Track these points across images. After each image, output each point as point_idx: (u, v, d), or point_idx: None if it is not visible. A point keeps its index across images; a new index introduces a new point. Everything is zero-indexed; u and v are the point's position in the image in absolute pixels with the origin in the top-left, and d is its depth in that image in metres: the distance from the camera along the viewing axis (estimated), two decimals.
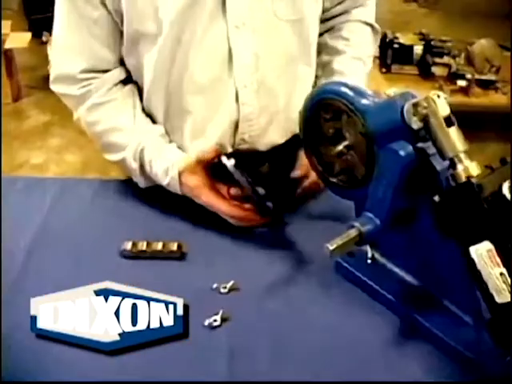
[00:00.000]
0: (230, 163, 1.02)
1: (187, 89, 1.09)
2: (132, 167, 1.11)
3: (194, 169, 1.07)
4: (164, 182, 1.09)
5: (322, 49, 1.24)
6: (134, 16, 1.03)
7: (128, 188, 1.19)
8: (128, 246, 1.00)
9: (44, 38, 3.98)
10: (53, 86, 1.14)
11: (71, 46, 1.10)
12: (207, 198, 1.06)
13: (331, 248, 0.83)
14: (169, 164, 1.08)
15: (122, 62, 1.12)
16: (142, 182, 1.15)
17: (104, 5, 1.04)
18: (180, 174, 1.07)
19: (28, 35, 3.70)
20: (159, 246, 1.00)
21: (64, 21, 1.09)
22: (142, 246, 1.00)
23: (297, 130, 1.02)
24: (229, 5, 1.03)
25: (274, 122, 1.17)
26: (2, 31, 3.50)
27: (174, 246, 1.00)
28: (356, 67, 1.24)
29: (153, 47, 1.05)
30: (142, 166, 1.11)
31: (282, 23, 1.08)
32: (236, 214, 1.05)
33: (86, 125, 1.14)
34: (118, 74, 1.12)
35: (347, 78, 1.17)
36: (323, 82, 1.19)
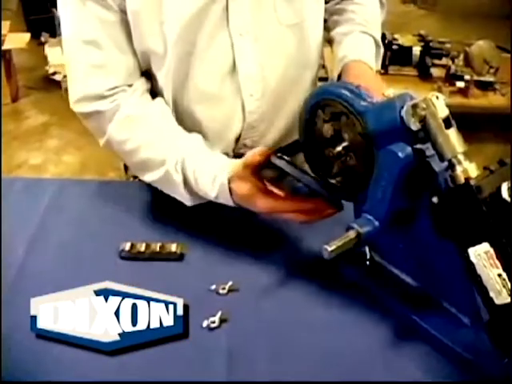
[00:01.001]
0: (282, 163, 0.93)
1: (193, 99, 1.08)
2: (175, 181, 1.02)
3: (243, 174, 0.96)
4: (212, 193, 0.99)
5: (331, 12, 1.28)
6: (141, 32, 1.01)
7: (126, 189, 1.19)
8: (126, 247, 1.00)
9: (42, 39, 3.98)
10: (77, 107, 1.07)
11: (98, 63, 1.03)
12: (265, 203, 0.95)
13: (330, 249, 0.83)
14: (216, 171, 0.98)
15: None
16: (187, 198, 1.04)
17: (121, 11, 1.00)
18: (229, 182, 0.97)
19: (26, 36, 3.70)
20: (158, 247, 1.00)
21: (83, 33, 1.02)
22: (141, 247, 1.00)
23: (295, 132, 1.03)
24: (231, 13, 1.02)
25: (275, 125, 1.18)
26: (1, 32, 3.49)
27: (173, 247, 1.00)
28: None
29: (160, 61, 1.04)
30: (185, 179, 1.01)
31: (285, 28, 1.08)
32: (307, 207, 0.94)
33: (118, 144, 1.06)
34: (144, 83, 1.08)
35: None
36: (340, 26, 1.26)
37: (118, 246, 1.00)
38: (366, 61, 1.17)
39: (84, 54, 1.03)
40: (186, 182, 1.01)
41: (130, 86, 1.06)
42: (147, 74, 1.09)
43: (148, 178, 1.07)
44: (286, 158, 0.93)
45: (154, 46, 1.02)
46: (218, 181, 0.97)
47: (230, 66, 1.06)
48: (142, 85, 1.07)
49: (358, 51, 1.19)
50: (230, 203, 0.98)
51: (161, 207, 1.12)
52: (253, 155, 0.95)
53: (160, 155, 1.02)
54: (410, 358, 0.84)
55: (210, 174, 0.98)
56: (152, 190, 1.13)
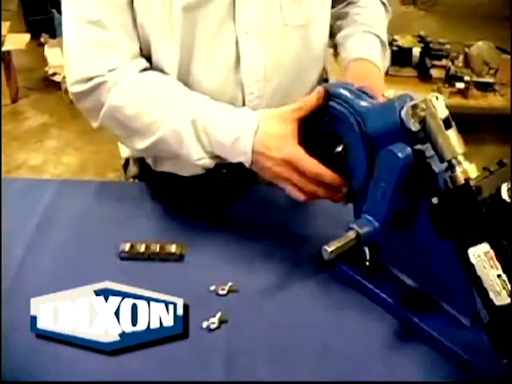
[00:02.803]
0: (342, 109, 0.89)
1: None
2: (183, 138, 0.97)
3: (286, 116, 0.92)
4: (233, 135, 0.93)
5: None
6: (148, 22, 1.01)
7: (126, 190, 1.19)
8: (126, 247, 1.00)
9: (42, 40, 3.98)
10: (76, 87, 1.04)
11: (102, 42, 1.01)
12: (294, 148, 0.90)
13: (329, 250, 0.83)
14: (243, 119, 0.95)
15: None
16: (200, 155, 0.98)
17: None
18: (260, 122, 0.92)
19: (26, 36, 3.69)
20: (157, 247, 1.00)
21: (88, 12, 1.00)
22: (140, 247, 1.00)
23: None
24: (238, 10, 1.03)
25: None
26: (1, 32, 3.49)
27: (173, 248, 1.00)
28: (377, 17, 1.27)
29: (165, 52, 1.04)
30: (197, 132, 0.97)
31: (291, 29, 1.09)
32: (337, 181, 0.91)
33: (118, 110, 1.02)
34: (145, 62, 1.06)
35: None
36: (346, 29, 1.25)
37: (118, 246, 1.00)
38: (369, 57, 1.16)
39: (88, 33, 1.01)
40: (198, 136, 0.97)
41: (130, 63, 1.04)
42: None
43: (150, 141, 1.02)
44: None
45: (161, 37, 1.02)
46: (247, 122, 0.93)
47: (234, 62, 1.07)
48: (143, 62, 1.05)
49: (360, 49, 1.18)
50: (248, 153, 0.93)
51: (160, 208, 1.12)
52: (308, 98, 0.91)
53: (167, 114, 0.99)
54: (409, 358, 0.84)
55: (232, 123, 0.95)
56: (152, 190, 1.13)
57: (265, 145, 0.92)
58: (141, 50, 1.06)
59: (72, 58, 1.05)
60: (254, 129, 0.93)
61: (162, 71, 1.05)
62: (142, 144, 1.04)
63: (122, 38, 1.03)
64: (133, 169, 1.31)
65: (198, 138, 0.97)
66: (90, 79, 1.02)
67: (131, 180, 1.31)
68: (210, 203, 1.11)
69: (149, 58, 1.06)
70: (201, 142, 0.98)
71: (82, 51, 1.03)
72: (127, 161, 1.34)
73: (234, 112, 0.98)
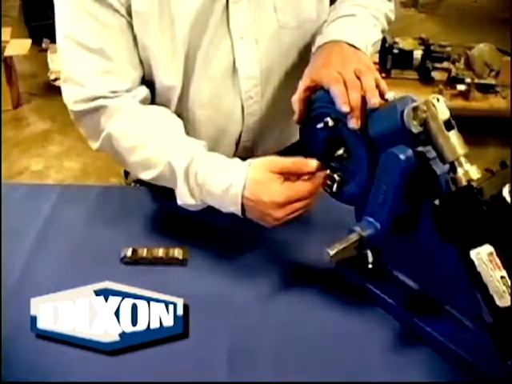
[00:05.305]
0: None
1: (194, 101, 1.09)
2: (176, 183, 0.98)
3: (263, 164, 0.93)
4: (223, 185, 0.93)
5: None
6: (149, 35, 1.01)
7: (128, 194, 1.19)
8: (128, 252, 1.00)
9: (44, 45, 3.99)
10: (77, 106, 1.03)
11: (103, 69, 1.01)
12: (282, 189, 0.90)
13: (332, 253, 0.83)
14: (230, 167, 0.95)
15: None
16: (187, 197, 0.97)
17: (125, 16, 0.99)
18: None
19: (28, 42, 3.70)
20: (160, 252, 1.00)
21: (85, 39, 1.00)
22: (143, 252, 1.00)
23: (296, 134, 1.03)
24: (232, 15, 1.02)
25: (275, 127, 1.18)
26: (2, 38, 3.50)
27: (175, 252, 1.00)
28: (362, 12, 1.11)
29: (167, 64, 1.03)
30: (188, 180, 0.96)
31: (285, 31, 1.08)
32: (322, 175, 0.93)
33: (117, 140, 1.02)
34: (145, 90, 1.06)
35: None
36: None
37: (120, 251, 1.00)
38: (335, 38, 1.01)
39: (89, 60, 1.01)
40: (188, 183, 0.97)
41: (131, 91, 1.05)
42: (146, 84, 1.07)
43: (147, 175, 1.03)
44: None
45: (163, 49, 1.01)
46: (232, 176, 0.92)
47: (231, 67, 1.06)
48: (143, 91, 1.06)
49: (328, 35, 1.04)
50: (238, 200, 0.92)
51: (162, 212, 1.12)
52: (302, 163, 0.92)
53: (164, 153, 0.99)
54: (412, 361, 0.84)
55: (221, 172, 0.94)
56: (153, 195, 1.13)
57: (249, 197, 0.91)
58: (143, 70, 1.05)
59: (75, 78, 1.03)
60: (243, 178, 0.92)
61: (162, 84, 1.05)
62: (142, 175, 1.04)
63: (123, 65, 1.02)
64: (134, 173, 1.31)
65: (190, 188, 0.97)
66: (93, 99, 1.02)
67: (133, 185, 1.31)
68: (213, 207, 1.11)
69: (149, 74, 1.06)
70: (193, 193, 0.97)
71: (81, 76, 1.02)
72: None
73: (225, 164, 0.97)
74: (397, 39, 3.39)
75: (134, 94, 1.04)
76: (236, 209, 0.93)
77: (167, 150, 0.99)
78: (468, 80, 3.26)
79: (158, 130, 1.02)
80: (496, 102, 3.28)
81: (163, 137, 1.01)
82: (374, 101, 0.86)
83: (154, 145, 1.00)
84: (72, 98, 1.04)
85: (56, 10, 1.02)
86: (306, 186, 0.91)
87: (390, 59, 3.33)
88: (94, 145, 1.08)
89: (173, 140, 1.01)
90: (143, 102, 1.06)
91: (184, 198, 0.98)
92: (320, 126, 0.91)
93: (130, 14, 0.98)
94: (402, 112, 0.81)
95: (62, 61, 1.05)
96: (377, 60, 3.22)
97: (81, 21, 0.99)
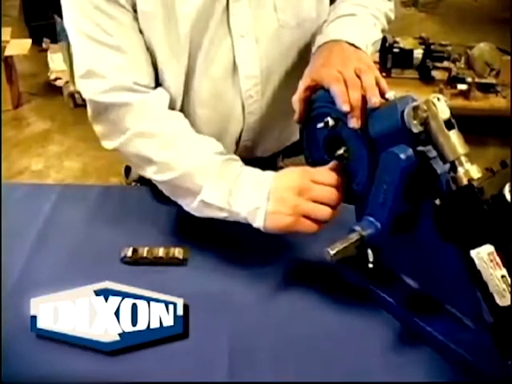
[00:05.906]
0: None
1: (195, 99, 1.08)
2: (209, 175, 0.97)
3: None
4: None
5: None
6: (155, 35, 1.01)
7: (128, 194, 1.19)
8: (129, 252, 1.00)
9: (44, 45, 3.99)
10: (106, 97, 1.01)
11: (123, 64, 1.00)
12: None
13: (332, 252, 0.83)
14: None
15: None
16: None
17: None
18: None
19: (28, 42, 3.70)
20: (160, 252, 1.00)
21: (100, 36, 0.99)
22: (143, 252, 1.00)
23: (296, 133, 1.03)
24: (232, 14, 1.02)
25: (276, 126, 1.18)
26: (2, 38, 3.50)
27: (175, 252, 1.00)
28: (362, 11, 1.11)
29: (171, 62, 1.03)
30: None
31: (285, 30, 1.08)
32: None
33: (144, 136, 1.01)
34: (167, 94, 1.05)
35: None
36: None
37: (120, 251, 1.00)
38: (335, 37, 1.01)
39: (106, 55, 1.00)
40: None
41: (151, 87, 1.03)
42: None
43: (167, 176, 1.01)
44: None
45: (168, 48, 1.01)
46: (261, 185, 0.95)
47: (231, 66, 1.06)
48: (167, 96, 1.05)
49: (328, 34, 1.04)
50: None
51: (163, 212, 1.12)
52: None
53: (194, 153, 1.00)
54: (412, 360, 0.84)
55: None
56: (154, 194, 1.13)
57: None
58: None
59: (96, 71, 1.01)
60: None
61: (165, 84, 1.05)
62: (160, 177, 1.02)
63: (140, 59, 1.02)
64: (134, 173, 1.31)
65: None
66: (119, 90, 1.00)
67: (133, 184, 1.31)
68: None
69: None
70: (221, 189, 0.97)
71: (105, 68, 1.01)
72: (128, 165, 1.34)
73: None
74: (397, 38, 3.39)
75: (160, 94, 1.03)
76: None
77: (200, 149, 1.00)
78: (468, 79, 3.26)
79: (189, 132, 1.03)
80: (496, 102, 3.28)
81: (194, 139, 1.02)
82: (375, 100, 0.86)
83: (187, 144, 1.01)
84: (95, 89, 1.02)
85: (64, 9, 1.02)
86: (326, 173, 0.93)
87: (391, 58, 3.33)
88: (111, 143, 1.05)
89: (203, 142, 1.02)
90: (167, 104, 1.05)
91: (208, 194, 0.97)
92: (320, 125, 0.91)
93: (135, 10, 0.98)
94: (403, 111, 0.81)
95: (79, 57, 1.04)
96: (377, 59, 3.22)
97: (92, 17, 0.98)
